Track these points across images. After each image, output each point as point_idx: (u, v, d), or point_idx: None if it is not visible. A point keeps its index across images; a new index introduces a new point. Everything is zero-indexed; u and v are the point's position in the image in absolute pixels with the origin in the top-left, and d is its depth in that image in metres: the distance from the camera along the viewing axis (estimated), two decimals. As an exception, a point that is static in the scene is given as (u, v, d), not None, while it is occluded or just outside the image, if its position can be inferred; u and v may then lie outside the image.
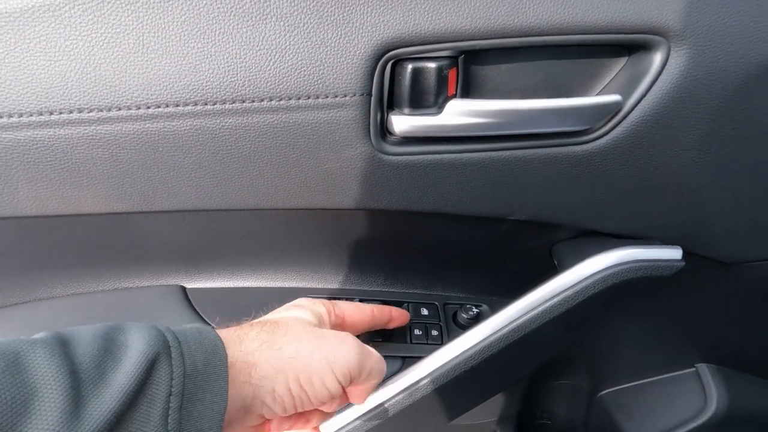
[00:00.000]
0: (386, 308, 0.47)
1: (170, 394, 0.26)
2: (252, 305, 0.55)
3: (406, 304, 0.56)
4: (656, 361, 0.65)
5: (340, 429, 0.49)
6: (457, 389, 0.48)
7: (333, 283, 0.57)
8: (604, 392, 0.72)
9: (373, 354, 0.37)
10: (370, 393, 0.38)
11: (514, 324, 0.44)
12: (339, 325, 0.41)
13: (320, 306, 0.39)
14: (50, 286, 0.55)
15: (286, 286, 0.57)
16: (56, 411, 0.22)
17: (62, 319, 0.54)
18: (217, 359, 0.29)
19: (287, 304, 0.40)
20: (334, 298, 0.56)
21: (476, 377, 0.46)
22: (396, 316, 0.47)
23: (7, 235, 0.47)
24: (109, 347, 0.26)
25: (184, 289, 0.55)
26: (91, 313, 0.55)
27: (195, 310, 0.54)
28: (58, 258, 0.53)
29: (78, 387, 0.23)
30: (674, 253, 0.42)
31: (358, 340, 0.36)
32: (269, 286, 0.57)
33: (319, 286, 0.57)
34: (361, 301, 0.55)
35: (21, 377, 0.22)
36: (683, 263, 0.42)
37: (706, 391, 0.61)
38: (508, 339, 0.44)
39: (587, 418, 0.76)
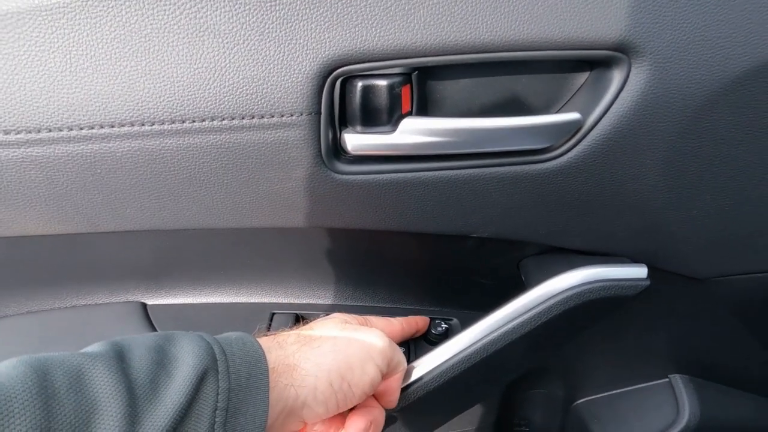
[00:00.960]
0: (412, 320, 0.48)
1: (216, 410, 0.27)
2: (215, 321, 0.54)
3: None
4: (630, 371, 0.65)
5: None
6: (423, 409, 0.46)
7: (299, 298, 0.55)
8: (579, 401, 0.72)
9: (397, 346, 0.39)
10: (399, 391, 0.40)
11: (479, 344, 0.43)
12: None
13: (353, 321, 0.40)
14: (2, 305, 0.53)
15: (251, 301, 0.55)
16: (116, 424, 0.23)
17: (16, 338, 0.52)
18: (259, 371, 0.30)
19: (320, 318, 0.41)
20: (303, 314, 0.55)
21: (441, 397, 0.45)
22: (422, 326, 0.49)
23: None
24: (161, 360, 0.27)
25: (144, 305, 0.54)
26: (47, 331, 0.53)
27: (154, 327, 0.52)
28: (10, 277, 0.51)
29: (134, 404, 0.24)
30: (639, 272, 0.41)
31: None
32: (233, 301, 0.55)
33: (285, 301, 0.55)
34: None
35: (84, 395, 0.24)
36: (648, 282, 0.41)
37: (678, 401, 0.60)
38: (473, 359, 0.43)
39: (563, 426, 0.76)
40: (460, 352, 0.43)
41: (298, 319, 0.54)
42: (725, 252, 0.45)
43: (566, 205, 0.40)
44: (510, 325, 0.42)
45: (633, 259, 0.44)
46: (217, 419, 0.27)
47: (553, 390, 0.74)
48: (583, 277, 0.41)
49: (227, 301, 0.54)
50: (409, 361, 0.49)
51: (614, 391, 0.67)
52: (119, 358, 0.26)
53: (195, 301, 0.54)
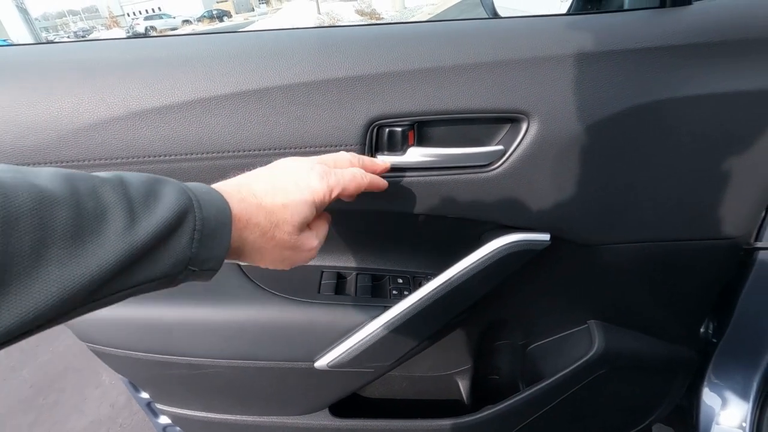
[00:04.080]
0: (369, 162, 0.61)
1: (194, 230, 0.35)
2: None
3: (387, 277, 0.84)
4: (564, 320, 0.93)
5: (328, 353, 0.76)
6: (418, 321, 0.75)
7: (346, 263, 0.85)
8: (532, 346, 1.00)
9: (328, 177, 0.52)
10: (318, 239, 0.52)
11: (450, 280, 0.72)
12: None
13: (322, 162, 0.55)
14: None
15: (335, 264, 0.85)
16: (121, 220, 0.31)
17: None
18: (224, 215, 0.39)
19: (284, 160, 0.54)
20: (344, 272, 0.84)
21: (430, 312, 0.74)
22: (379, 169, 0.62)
23: None
24: (152, 191, 0.34)
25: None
26: None
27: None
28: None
29: (133, 212, 0.32)
30: (544, 237, 0.71)
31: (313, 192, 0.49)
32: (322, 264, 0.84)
33: (335, 264, 0.85)
34: (358, 275, 0.84)
35: (98, 200, 0.31)
36: (549, 242, 0.71)
37: (592, 339, 0.88)
38: (446, 288, 0.72)
39: (522, 368, 1.04)
40: (441, 284, 0.72)
41: (340, 276, 0.83)
42: (599, 228, 0.75)
43: (500, 198, 0.70)
44: (467, 269, 0.71)
45: (544, 231, 0.73)
46: (195, 236, 0.35)
47: (514, 339, 1.02)
48: (508, 240, 0.70)
49: (319, 263, 0.84)
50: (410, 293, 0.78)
51: (556, 336, 0.95)
52: (121, 183, 0.33)
53: None
